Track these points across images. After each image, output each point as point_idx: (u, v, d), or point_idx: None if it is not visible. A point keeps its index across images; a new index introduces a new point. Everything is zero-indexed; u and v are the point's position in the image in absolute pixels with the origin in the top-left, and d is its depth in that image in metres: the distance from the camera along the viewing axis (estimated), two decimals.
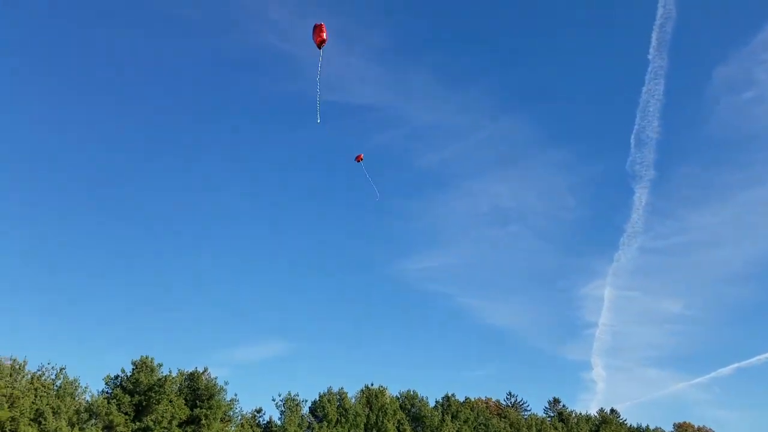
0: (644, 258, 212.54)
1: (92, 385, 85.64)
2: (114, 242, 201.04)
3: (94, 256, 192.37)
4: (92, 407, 60.52)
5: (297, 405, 73.88)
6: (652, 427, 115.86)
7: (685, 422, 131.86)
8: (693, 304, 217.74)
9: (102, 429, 59.98)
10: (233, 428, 69.42)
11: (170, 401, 63.29)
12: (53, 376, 61.09)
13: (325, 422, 73.43)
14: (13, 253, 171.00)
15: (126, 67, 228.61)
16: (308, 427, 73.75)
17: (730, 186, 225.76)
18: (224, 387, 69.25)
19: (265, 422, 73.11)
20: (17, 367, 59.14)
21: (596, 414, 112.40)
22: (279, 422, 72.21)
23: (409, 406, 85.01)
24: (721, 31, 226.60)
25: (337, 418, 74.86)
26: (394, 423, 78.17)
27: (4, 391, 55.25)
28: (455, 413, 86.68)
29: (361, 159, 50.82)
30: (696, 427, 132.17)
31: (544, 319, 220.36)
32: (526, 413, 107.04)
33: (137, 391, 63.57)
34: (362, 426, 76.16)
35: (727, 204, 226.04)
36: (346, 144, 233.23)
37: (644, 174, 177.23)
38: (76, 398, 61.17)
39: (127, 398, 62.54)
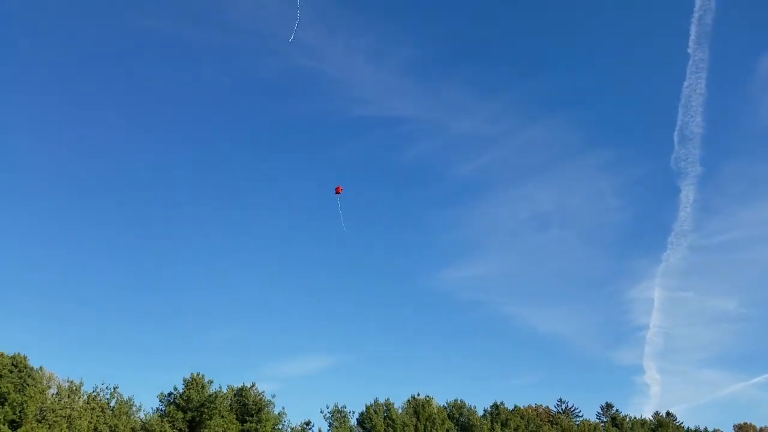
0: (694, 256, 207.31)
1: (145, 403, 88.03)
2: (163, 261, 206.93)
3: (143, 275, 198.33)
4: (147, 425, 62.20)
5: (345, 417, 74.45)
6: (710, 429, 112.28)
7: (746, 423, 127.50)
8: (747, 302, 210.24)
9: None
10: None
11: (222, 416, 64.54)
12: (108, 396, 63.06)
13: None
14: (69, 272, 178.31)
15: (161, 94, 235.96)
16: None
17: None
18: (272, 400, 70.60)
19: None
20: (74, 388, 61.24)
21: (651, 418, 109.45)
22: None
23: (458, 416, 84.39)
24: (763, 20, 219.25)
25: (385, 429, 74.92)
26: None
27: (63, 412, 57.25)
28: (505, 421, 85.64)
29: (340, 191, 51.75)
30: (758, 427, 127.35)
31: (592, 324, 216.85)
32: (577, 419, 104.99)
33: (189, 408, 65.05)
34: None
35: None
36: (386, 159, 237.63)
37: (690, 171, 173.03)
38: (132, 417, 62.92)
39: (180, 415, 64.05)
